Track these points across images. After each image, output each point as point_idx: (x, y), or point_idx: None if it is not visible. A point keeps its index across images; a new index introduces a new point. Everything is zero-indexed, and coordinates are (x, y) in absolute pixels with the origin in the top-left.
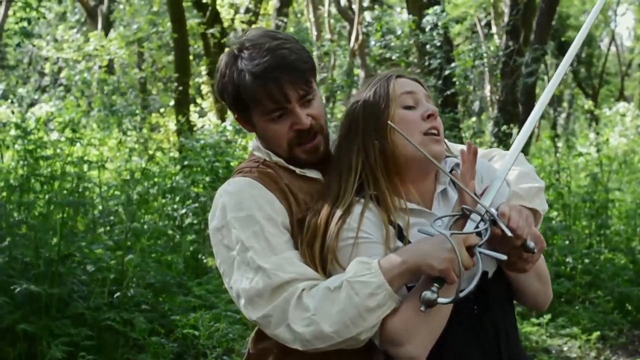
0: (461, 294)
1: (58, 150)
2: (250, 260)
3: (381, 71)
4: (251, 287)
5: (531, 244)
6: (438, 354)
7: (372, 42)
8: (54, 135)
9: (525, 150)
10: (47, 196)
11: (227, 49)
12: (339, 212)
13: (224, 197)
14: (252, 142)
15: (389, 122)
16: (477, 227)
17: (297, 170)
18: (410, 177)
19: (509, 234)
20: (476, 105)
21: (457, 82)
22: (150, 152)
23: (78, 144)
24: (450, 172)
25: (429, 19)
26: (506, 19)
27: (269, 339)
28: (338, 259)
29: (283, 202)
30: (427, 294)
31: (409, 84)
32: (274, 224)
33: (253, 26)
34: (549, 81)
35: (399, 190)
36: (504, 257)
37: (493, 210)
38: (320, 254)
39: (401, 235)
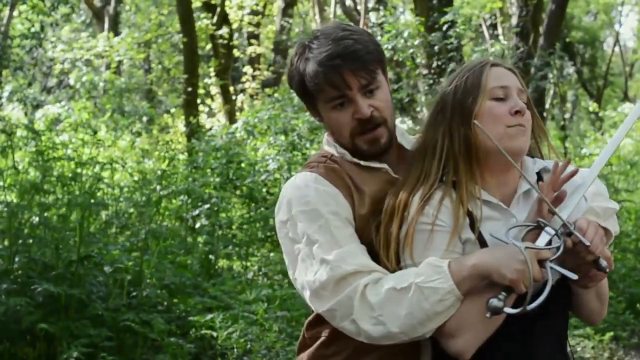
0: (529, 307)
1: (69, 152)
2: (315, 253)
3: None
4: (315, 279)
5: (604, 263)
6: (485, 354)
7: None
8: (62, 137)
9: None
10: (66, 197)
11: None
12: (419, 196)
13: (290, 191)
14: (325, 136)
15: (474, 121)
16: (550, 241)
17: (362, 163)
18: (490, 168)
19: (587, 243)
20: None
21: None
22: (162, 153)
23: (90, 146)
24: (537, 174)
25: (447, 18)
26: (515, 20)
27: (325, 324)
28: (412, 245)
29: (347, 198)
30: (494, 302)
31: (502, 75)
32: (338, 218)
33: (261, 27)
34: (557, 83)
35: (477, 179)
36: (575, 277)
37: (570, 224)
38: (397, 236)
39: (473, 226)
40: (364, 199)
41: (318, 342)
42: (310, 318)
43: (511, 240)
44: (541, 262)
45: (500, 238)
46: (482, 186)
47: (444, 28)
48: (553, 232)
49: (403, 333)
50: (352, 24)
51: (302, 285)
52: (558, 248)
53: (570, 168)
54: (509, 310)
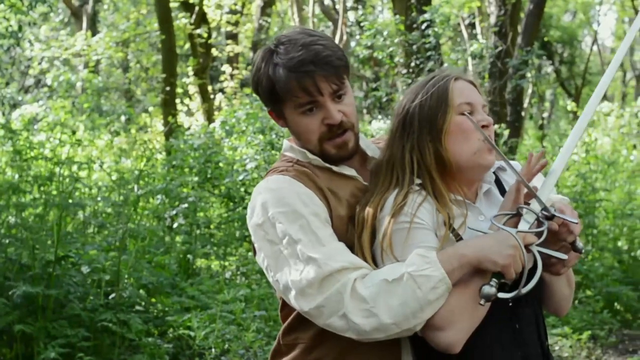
0: (523, 290)
1: (47, 152)
2: (299, 253)
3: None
4: (302, 278)
5: (580, 244)
6: (472, 344)
7: (353, 43)
8: (40, 137)
9: (514, 150)
10: (43, 197)
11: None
12: (392, 202)
13: (264, 194)
14: (285, 141)
15: (465, 113)
16: (531, 227)
17: (334, 168)
18: (461, 180)
19: (575, 221)
20: None
21: None
22: (140, 153)
23: (68, 145)
24: (494, 173)
25: (426, 17)
26: (493, 19)
27: (300, 331)
28: (392, 245)
29: (322, 200)
30: (487, 289)
31: (467, 90)
32: (318, 218)
33: (239, 26)
34: (535, 82)
35: (451, 186)
36: (565, 256)
37: (551, 207)
38: (369, 244)
39: (452, 227)
40: (341, 201)
41: (298, 350)
42: (286, 324)
43: (502, 226)
44: (527, 247)
45: (478, 227)
46: (453, 190)
47: (422, 27)
48: (532, 218)
49: (395, 324)
50: (313, 29)
51: (286, 286)
52: (543, 231)
53: (543, 160)
54: (503, 295)
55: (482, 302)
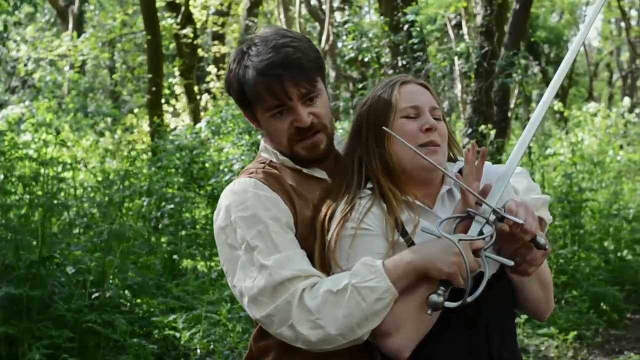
0: (469, 299)
1: (32, 152)
2: (255, 260)
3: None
4: (254, 286)
5: (542, 240)
6: (428, 352)
7: (340, 44)
8: (26, 137)
9: (501, 150)
10: (27, 198)
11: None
12: (341, 209)
13: (229, 197)
14: (261, 143)
15: (384, 128)
16: (482, 231)
17: (305, 170)
18: (412, 184)
19: (520, 221)
20: (446, 106)
21: (433, 83)
22: (125, 153)
23: (52, 146)
24: (459, 173)
25: (408, 18)
26: (480, 20)
27: (270, 337)
28: (336, 251)
29: (288, 203)
30: (434, 297)
31: (414, 94)
32: (278, 223)
33: (226, 27)
34: (521, 82)
35: (403, 190)
36: (511, 263)
37: (499, 208)
38: (320, 252)
39: (404, 232)
40: (308, 204)
41: (270, 357)
42: (256, 330)
43: (443, 234)
44: (476, 252)
45: (432, 231)
46: (406, 193)
47: (405, 28)
48: (484, 220)
49: (341, 335)
50: (291, 30)
51: (241, 292)
52: (492, 236)
53: (482, 152)
54: (449, 304)
55: (429, 311)
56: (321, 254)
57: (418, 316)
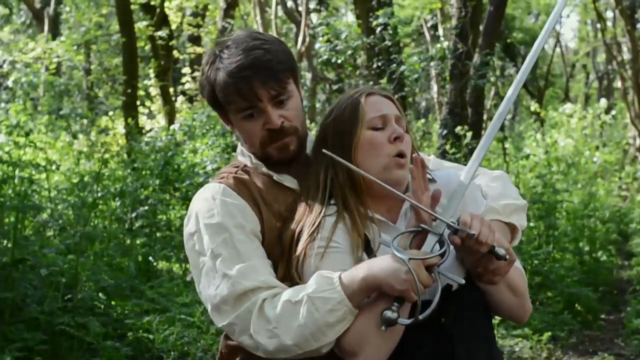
0: (421, 317)
1: (4, 154)
2: (218, 268)
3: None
4: (216, 294)
5: (501, 251)
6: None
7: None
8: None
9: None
10: None
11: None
12: (308, 226)
13: (198, 204)
14: (238, 147)
15: (327, 151)
16: (436, 244)
17: (275, 177)
18: (378, 195)
19: (473, 232)
20: (422, 107)
21: (407, 85)
22: (99, 155)
23: (25, 148)
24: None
25: (380, 21)
26: (454, 21)
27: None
28: (304, 269)
29: (254, 210)
30: (388, 314)
31: (379, 104)
32: (243, 231)
33: (201, 29)
34: (495, 82)
35: (367, 204)
36: (462, 281)
37: (453, 221)
38: (285, 268)
39: (368, 247)
40: (274, 212)
41: (239, 356)
42: (224, 333)
43: (395, 251)
44: (430, 268)
45: (388, 246)
46: (370, 207)
47: (377, 30)
48: (438, 234)
49: (296, 345)
50: (263, 32)
51: (205, 299)
52: (444, 251)
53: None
54: (403, 321)
55: (383, 327)
56: (286, 269)
57: (381, 332)
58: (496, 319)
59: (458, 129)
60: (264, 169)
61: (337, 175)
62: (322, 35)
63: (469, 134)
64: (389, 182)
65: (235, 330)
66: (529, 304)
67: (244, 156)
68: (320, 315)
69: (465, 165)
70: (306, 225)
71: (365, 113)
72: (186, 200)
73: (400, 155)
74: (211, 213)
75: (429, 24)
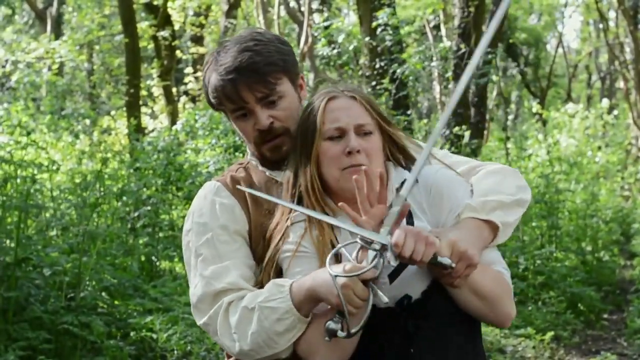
0: (352, 330)
1: (7, 154)
2: (198, 267)
3: (330, 72)
4: (194, 293)
5: (445, 260)
6: None
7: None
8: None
9: (476, 152)
10: (1, 199)
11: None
12: (279, 229)
13: (195, 202)
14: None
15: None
16: (374, 259)
17: (267, 173)
18: (346, 197)
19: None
20: (425, 107)
21: (409, 84)
22: (101, 155)
23: (28, 147)
24: (398, 188)
25: (380, 21)
26: (457, 21)
27: None
28: (273, 271)
29: (244, 209)
30: (331, 324)
31: (339, 111)
32: (226, 232)
33: (204, 29)
34: (498, 82)
35: (333, 208)
36: (386, 299)
37: (387, 237)
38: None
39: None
40: (263, 211)
41: None
42: None
43: (328, 267)
44: (366, 282)
45: (344, 254)
46: (335, 211)
47: (378, 31)
48: (377, 249)
49: (253, 351)
50: (264, 31)
51: (190, 295)
52: (376, 267)
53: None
54: (340, 334)
55: (326, 338)
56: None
57: (328, 343)
58: None
59: (456, 129)
60: (259, 167)
61: (305, 180)
62: (320, 40)
63: (467, 134)
64: (346, 192)
65: (209, 330)
66: (506, 308)
67: (250, 153)
68: (269, 324)
69: (477, 160)
70: (277, 230)
71: (322, 124)
72: (188, 200)
73: (354, 167)
74: (201, 212)
75: (431, 24)
